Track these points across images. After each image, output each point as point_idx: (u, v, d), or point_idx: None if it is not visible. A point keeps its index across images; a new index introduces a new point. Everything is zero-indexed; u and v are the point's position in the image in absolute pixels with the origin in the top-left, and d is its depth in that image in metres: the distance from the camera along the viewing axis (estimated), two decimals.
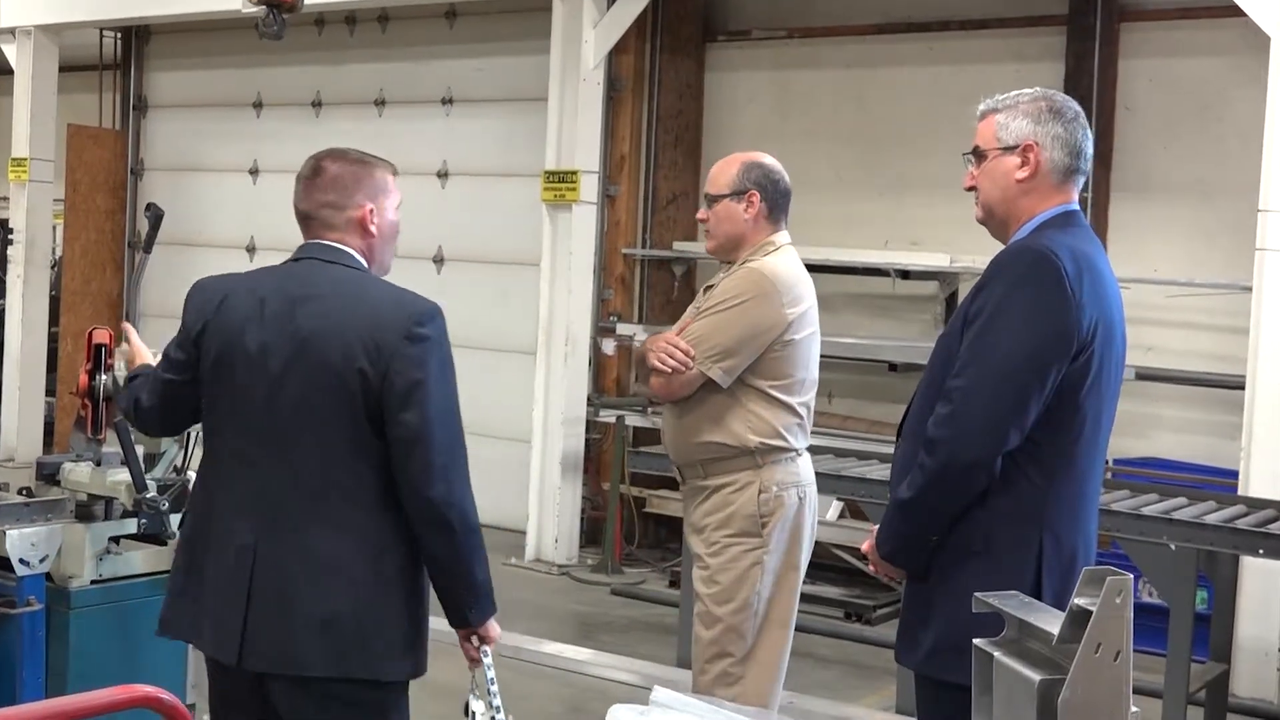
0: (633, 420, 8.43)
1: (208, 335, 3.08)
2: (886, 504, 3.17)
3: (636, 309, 9.23)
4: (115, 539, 4.04)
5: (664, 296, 9.21)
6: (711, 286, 4.16)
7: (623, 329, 8.79)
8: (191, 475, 4.01)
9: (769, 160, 4.14)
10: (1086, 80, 7.76)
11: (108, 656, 3.97)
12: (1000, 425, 2.90)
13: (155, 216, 4.36)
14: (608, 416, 8.46)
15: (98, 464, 4.10)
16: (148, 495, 3.80)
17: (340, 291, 3.03)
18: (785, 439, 3.99)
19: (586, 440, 8.68)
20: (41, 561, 3.75)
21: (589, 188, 8.43)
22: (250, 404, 3.02)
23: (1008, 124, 3.05)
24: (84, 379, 4.22)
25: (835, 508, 7.68)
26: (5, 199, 13.59)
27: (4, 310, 11.21)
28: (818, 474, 5.03)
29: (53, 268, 11.56)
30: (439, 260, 9.95)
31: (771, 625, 4.02)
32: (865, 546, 3.23)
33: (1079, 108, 3.09)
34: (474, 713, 3.07)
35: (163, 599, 3.17)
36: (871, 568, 3.24)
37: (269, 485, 3.00)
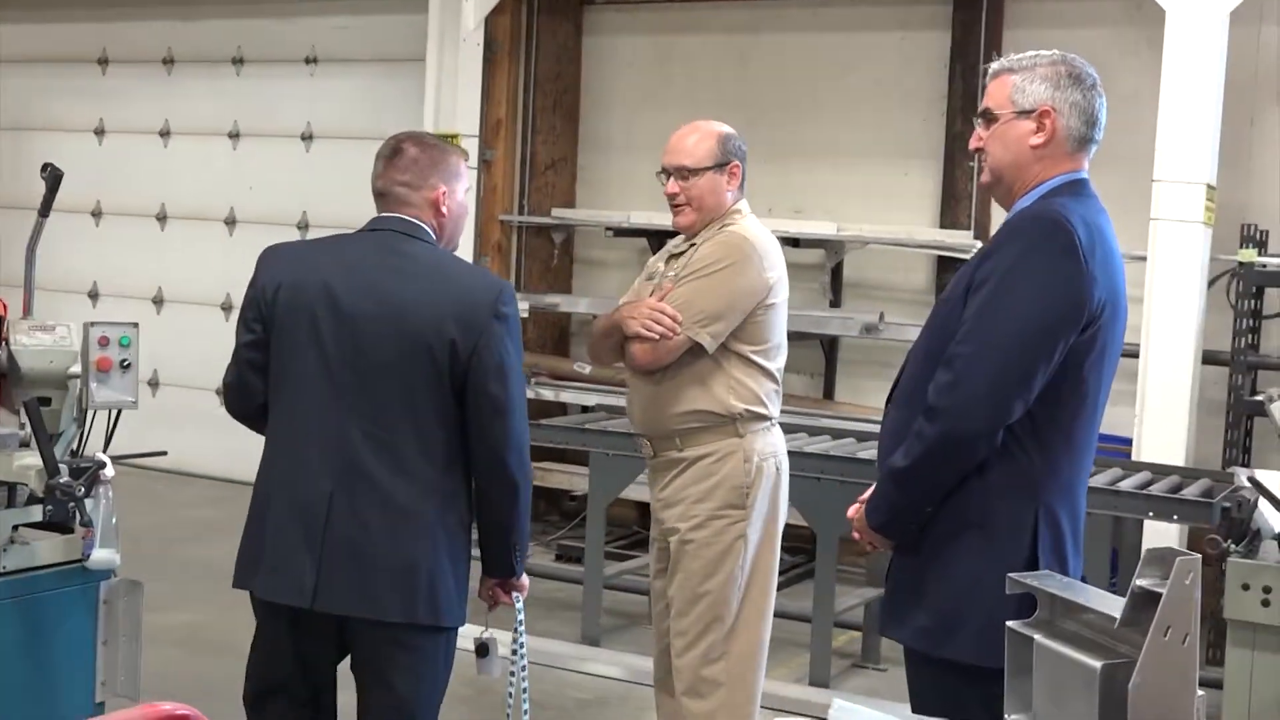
0: None
1: (283, 298, 3.27)
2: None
3: (514, 276, 9.00)
4: (15, 527, 3.72)
5: (542, 264, 9.01)
6: (676, 255, 4.03)
7: None
8: (101, 457, 3.75)
9: (730, 127, 4.09)
10: (974, 50, 7.79)
11: (14, 654, 3.66)
12: (1005, 396, 2.81)
13: (54, 177, 4.04)
14: None
15: None
16: (61, 480, 3.49)
17: (428, 264, 3.29)
18: (766, 406, 3.96)
19: None
20: None
21: (470, 152, 8.15)
22: (335, 364, 3.22)
23: (1024, 87, 2.94)
24: None
25: None
26: None
27: None
28: None
29: None
30: (304, 226, 9.57)
31: (754, 598, 3.96)
32: (852, 512, 3.13)
33: (1096, 74, 3.00)
34: (489, 648, 3.54)
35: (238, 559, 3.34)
36: (856, 535, 3.14)
37: (349, 441, 3.20)
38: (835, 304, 8.13)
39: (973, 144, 3.04)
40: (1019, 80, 2.95)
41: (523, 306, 8.44)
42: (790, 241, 7.99)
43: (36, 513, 3.71)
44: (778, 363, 4.01)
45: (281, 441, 3.31)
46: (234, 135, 9.92)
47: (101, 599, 3.86)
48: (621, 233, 8.44)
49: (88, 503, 3.63)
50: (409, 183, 3.32)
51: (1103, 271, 2.85)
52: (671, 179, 4.02)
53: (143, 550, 5.92)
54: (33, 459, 3.58)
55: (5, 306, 3.93)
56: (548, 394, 8.31)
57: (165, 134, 10.20)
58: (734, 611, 3.92)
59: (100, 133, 10.51)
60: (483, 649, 3.55)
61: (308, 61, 9.64)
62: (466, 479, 3.31)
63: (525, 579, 3.50)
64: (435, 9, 8.16)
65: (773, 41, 8.56)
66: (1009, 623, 2.45)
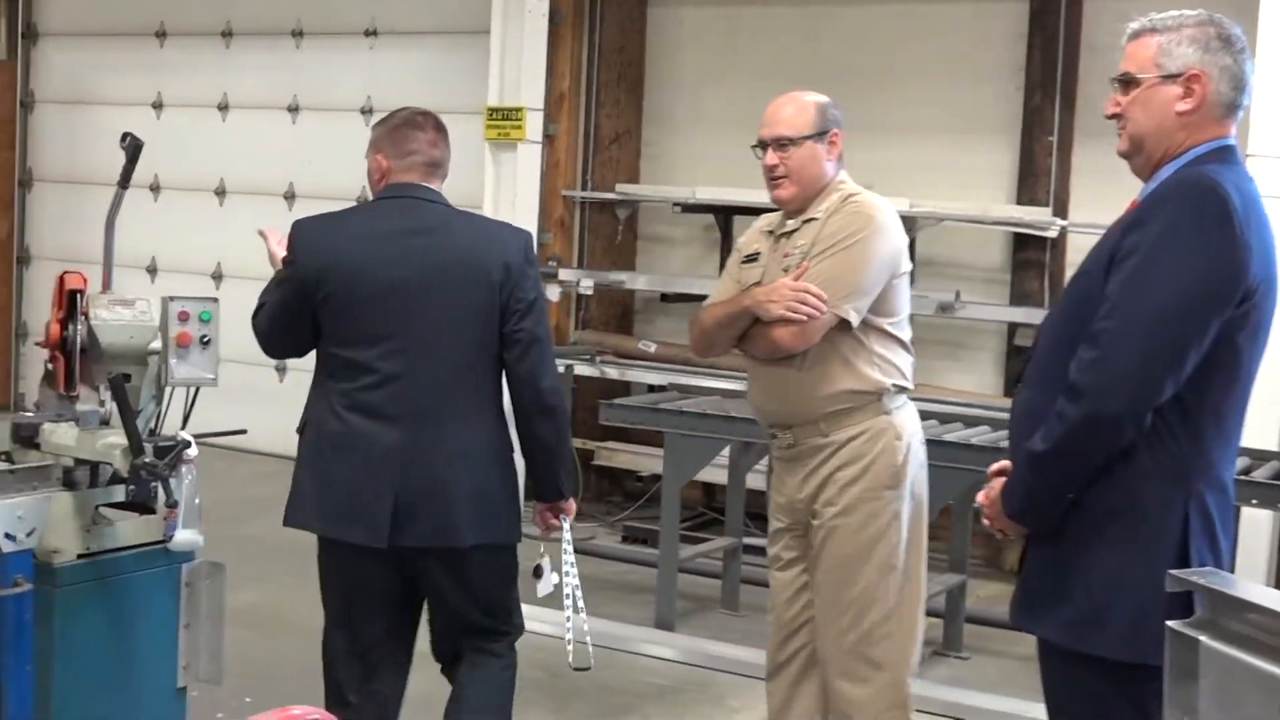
0: (581, 370, 8.08)
1: (332, 269, 3.61)
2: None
3: (576, 253, 8.87)
4: (97, 508, 3.62)
5: (606, 241, 8.85)
6: (787, 233, 3.89)
7: (565, 275, 8.43)
8: (184, 436, 3.65)
9: (826, 96, 3.95)
10: (1053, 20, 7.57)
11: (95, 638, 3.56)
12: (1154, 374, 2.64)
13: (134, 147, 3.91)
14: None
15: (75, 423, 3.67)
16: (146, 459, 3.38)
17: (461, 223, 3.78)
18: (907, 379, 3.86)
19: None
20: (29, 535, 3.32)
21: (535, 126, 8.02)
22: (394, 322, 3.59)
23: (1171, 49, 2.75)
24: (55, 329, 3.78)
25: None
26: None
27: None
28: (725, 417, 5.77)
29: None
30: (361, 201, 9.45)
31: (911, 577, 3.85)
32: (982, 498, 2.97)
33: (1244, 35, 2.82)
34: (543, 569, 3.93)
35: (301, 507, 3.71)
36: (988, 522, 2.97)
37: (412, 391, 3.59)
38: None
39: (1108, 110, 2.87)
40: (1164, 42, 2.77)
41: (587, 284, 8.32)
42: None
43: (119, 493, 3.61)
44: (910, 334, 3.90)
45: (343, 401, 3.63)
46: (293, 109, 9.81)
47: (184, 581, 3.75)
48: (689, 209, 8.28)
49: (171, 482, 3.53)
50: (442, 158, 3.83)
51: (1258, 241, 2.68)
52: (769, 150, 3.88)
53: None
54: (117, 437, 3.47)
55: (85, 280, 3.83)
56: (613, 373, 8.16)
57: (224, 108, 10.10)
58: (892, 593, 3.79)
59: (158, 106, 10.42)
60: (537, 571, 3.95)
61: (368, 34, 9.51)
62: (505, 417, 3.77)
63: (571, 501, 3.89)
64: None
65: (844, 13, 8.35)
66: (1169, 623, 2.31)
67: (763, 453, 6.71)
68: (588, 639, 3.97)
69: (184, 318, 3.91)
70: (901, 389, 3.84)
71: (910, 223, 7.81)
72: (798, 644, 3.96)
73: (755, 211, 8.34)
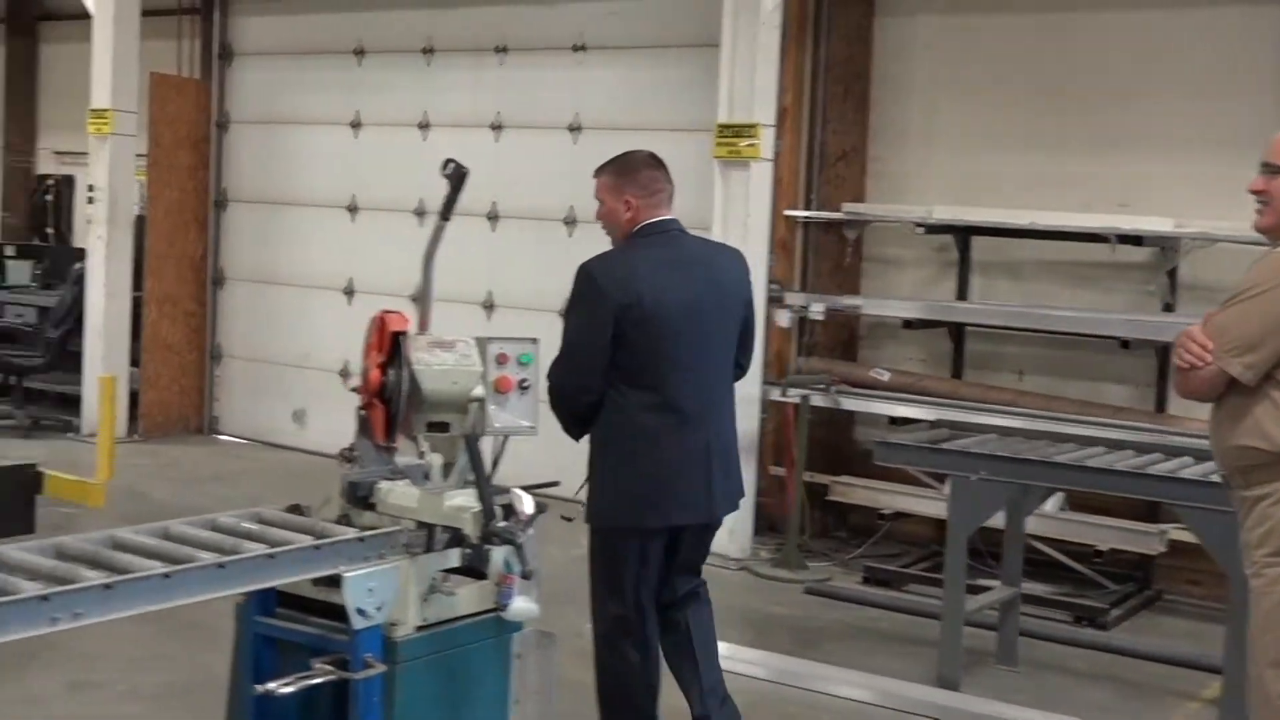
0: (817, 400, 7.65)
1: (640, 302, 4.12)
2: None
3: (799, 275, 8.45)
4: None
5: (832, 263, 8.41)
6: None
7: (793, 299, 8.01)
8: (518, 491, 3.31)
9: None
10: None
11: (430, 715, 3.22)
12: None
13: (458, 175, 3.60)
14: (792, 395, 7.67)
15: (398, 477, 3.35)
16: (501, 524, 3.03)
17: (715, 251, 4.60)
18: None
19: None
20: (379, 610, 2.99)
21: (767, 142, 7.62)
22: (690, 336, 4.21)
23: None
24: (376, 374, 3.47)
25: (1056, 499, 6.93)
26: (72, 154, 12.78)
27: (85, 274, 10.40)
28: (1021, 459, 5.53)
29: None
30: (570, 222, 9.14)
31: None
32: None
33: None
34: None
35: (633, 507, 4.24)
36: None
37: (704, 392, 4.29)
38: (1169, 308, 7.39)
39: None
40: None
41: (817, 308, 7.90)
42: (1132, 240, 7.29)
43: (455, 558, 3.28)
44: None
45: (657, 407, 4.19)
46: (496, 127, 9.53)
47: (514, 652, 3.41)
48: (931, 229, 7.82)
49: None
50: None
51: None
52: (1260, 175, 3.66)
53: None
54: (465, 499, 3.14)
55: (407, 321, 3.51)
56: (852, 404, 7.72)
57: (424, 126, 9.86)
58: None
59: (356, 126, 10.23)
60: None
61: (575, 49, 9.20)
62: None
63: None
64: None
65: (1091, 19, 7.81)
66: None
67: (1045, 495, 6.24)
68: None
69: (503, 360, 3.61)
70: None
71: (1176, 244, 7.29)
72: None
73: (998, 232, 7.91)
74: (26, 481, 6.48)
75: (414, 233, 9.86)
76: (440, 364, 3.48)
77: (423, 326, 3.62)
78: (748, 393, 7.60)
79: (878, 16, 8.42)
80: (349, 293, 10.23)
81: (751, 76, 7.56)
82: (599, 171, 4.40)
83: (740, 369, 4.51)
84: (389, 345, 3.46)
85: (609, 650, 4.32)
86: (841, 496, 7.86)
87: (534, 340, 3.66)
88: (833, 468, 8.11)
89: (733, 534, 7.64)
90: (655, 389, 4.18)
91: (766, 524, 8.10)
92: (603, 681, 4.36)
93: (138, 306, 10.57)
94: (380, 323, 3.49)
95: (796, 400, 7.65)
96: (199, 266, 10.94)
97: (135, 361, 10.55)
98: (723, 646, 6.09)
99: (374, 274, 10.06)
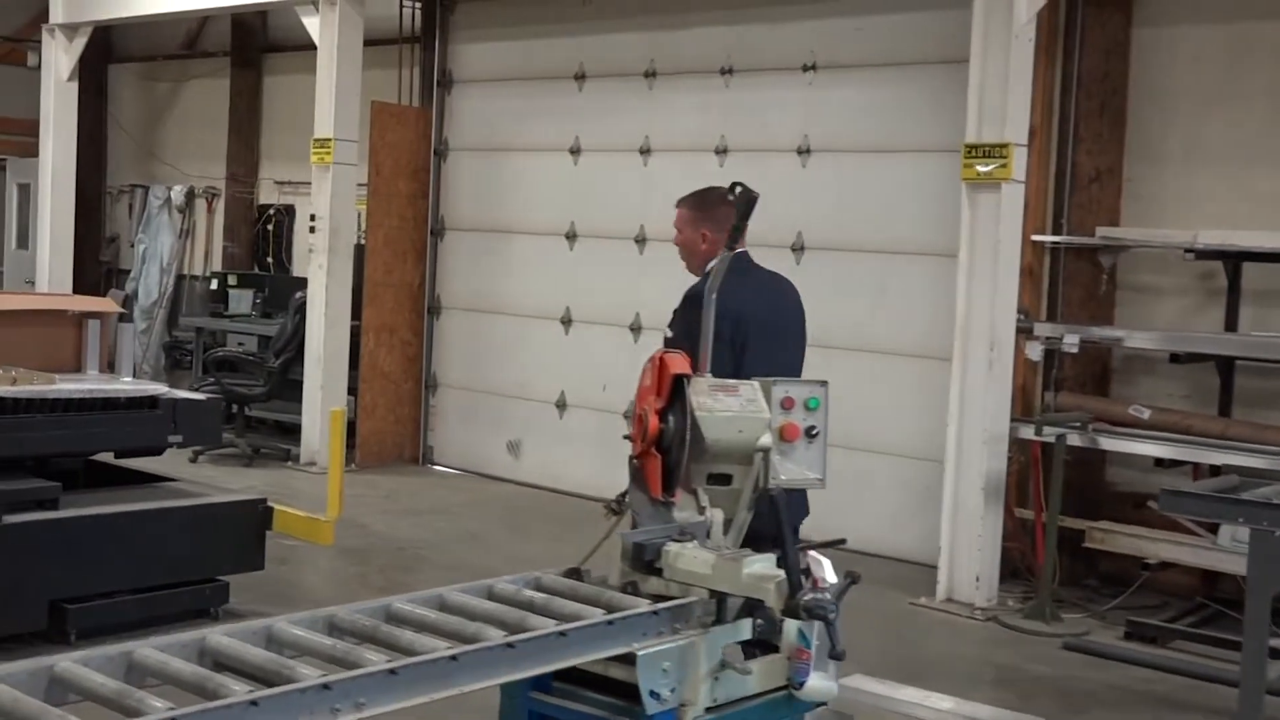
0: (1073, 439, 7.09)
1: (745, 320, 4.26)
2: None
3: (1046, 303, 7.91)
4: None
5: (1084, 291, 7.84)
6: None
7: (1042, 329, 7.48)
8: (815, 555, 2.94)
9: None
10: None
11: None
12: None
13: (746, 199, 3.24)
14: (1046, 434, 7.13)
15: (684, 537, 3.01)
16: (812, 597, 2.66)
17: (779, 282, 4.65)
18: None
19: None
20: (672, 692, 2.64)
21: (1020, 163, 7.12)
22: (779, 351, 4.38)
23: None
24: (654, 421, 3.13)
25: None
26: (292, 184, 12.92)
27: (305, 303, 10.41)
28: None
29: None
30: (799, 249, 8.76)
31: None
32: None
33: None
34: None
35: None
36: None
37: None
38: None
39: None
40: None
41: (1071, 340, 7.35)
42: None
43: (746, 629, 2.91)
44: None
45: None
46: (720, 151, 9.20)
47: None
48: (1201, 255, 7.21)
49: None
50: None
51: None
52: None
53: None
54: (766, 567, 2.77)
55: (691, 363, 3.17)
56: (1110, 445, 7.14)
57: (645, 151, 9.60)
58: None
59: (575, 152, 10.03)
60: None
61: (805, 69, 8.82)
62: None
63: None
64: (980, 2, 7.15)
65: None
66: None
67: None
68: None
69: (788, 405, 3.24)
70: None
71: None
72: None
73: (1273, 258, 7.26)
74: (258, 517, 6.36)
75: (635, 261, 9.61)
76: (725, 410, 3.13)
77: (703, 368, 3.28)
78: (996, 430, 7.14)
79: (1135, 27, 7.84)
80: (566, 322, 10.02)
81: (1003, 93, 7.07)
82: (681, 202, 4.56)
83: None
84: (669, 389, 3.12)
85: None
86: (1099, 544, 7.27)
87: (823, 383, 3.28)
88: (1083, 512, 7.53)
89: (979, 581, 7.15)
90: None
91: (1008, 570, 7.57)
92: None
93: (355, 336, 10.55)
94: (659, 364, 3.16)
95: (1047, 439, 7.10)
96: (416, 295, 10.88)
97: (352, 390, 10.52)
98: (984, 709, 5.67)
99: (592, 304, 9.84)
